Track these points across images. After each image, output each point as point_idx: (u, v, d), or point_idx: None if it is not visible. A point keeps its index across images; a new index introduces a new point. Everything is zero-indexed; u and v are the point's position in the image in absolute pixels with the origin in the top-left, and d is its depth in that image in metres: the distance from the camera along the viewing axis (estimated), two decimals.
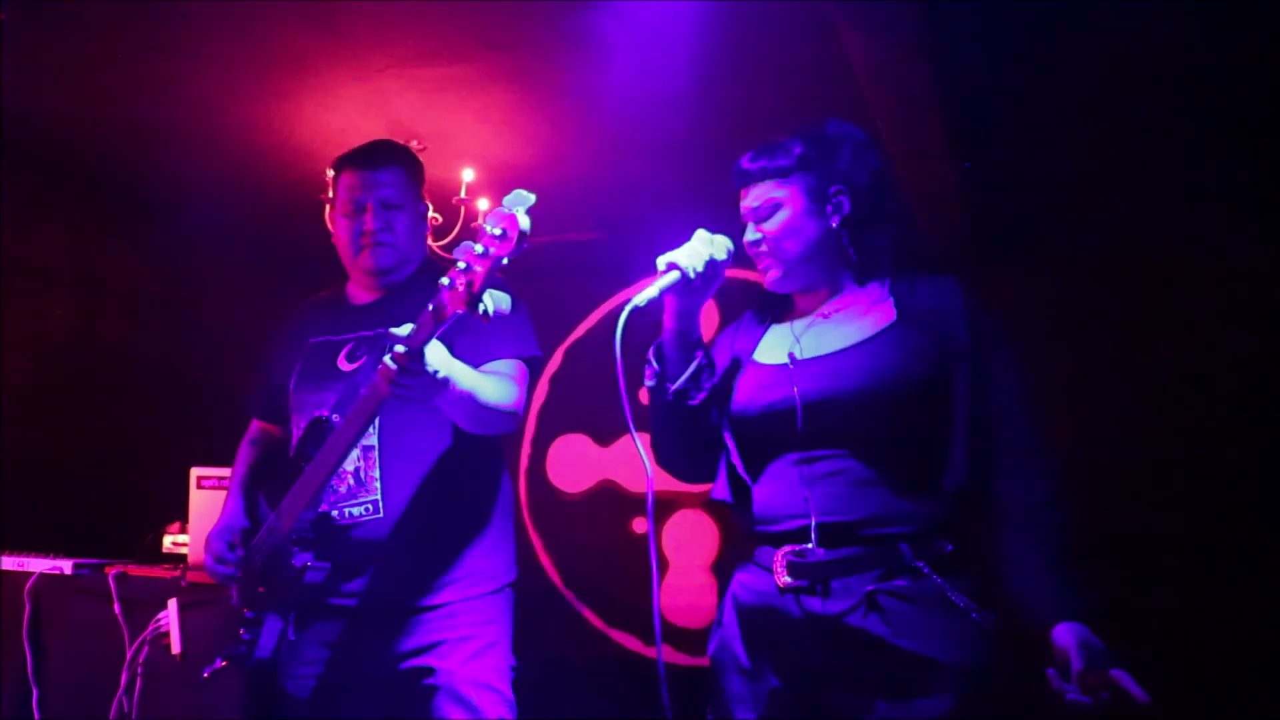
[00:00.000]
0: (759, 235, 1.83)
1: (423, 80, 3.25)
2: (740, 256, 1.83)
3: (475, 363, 2.08)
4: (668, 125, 3.51)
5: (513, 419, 2.12)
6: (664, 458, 1.88)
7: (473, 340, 2.10)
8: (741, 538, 1.81)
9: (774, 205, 1.82)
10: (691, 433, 1.82)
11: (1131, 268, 4.19)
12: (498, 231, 1.65)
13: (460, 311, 1.71)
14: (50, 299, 3.98)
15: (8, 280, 3.74)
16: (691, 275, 1.72)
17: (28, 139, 3.65)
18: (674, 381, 1.79)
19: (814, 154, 1.81)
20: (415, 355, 1.78)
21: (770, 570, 1.69)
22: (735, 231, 1.87)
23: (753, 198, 1.84)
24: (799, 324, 1.84)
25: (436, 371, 1.82)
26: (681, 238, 1.80)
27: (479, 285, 1.68)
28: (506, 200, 1.66)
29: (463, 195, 3.68)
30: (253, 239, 4.74)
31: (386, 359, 1.80)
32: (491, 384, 2.04)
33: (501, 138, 3.66)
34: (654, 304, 1.73)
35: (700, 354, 1.79)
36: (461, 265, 1.69)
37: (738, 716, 1.73)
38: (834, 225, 1.80)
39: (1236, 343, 3.98)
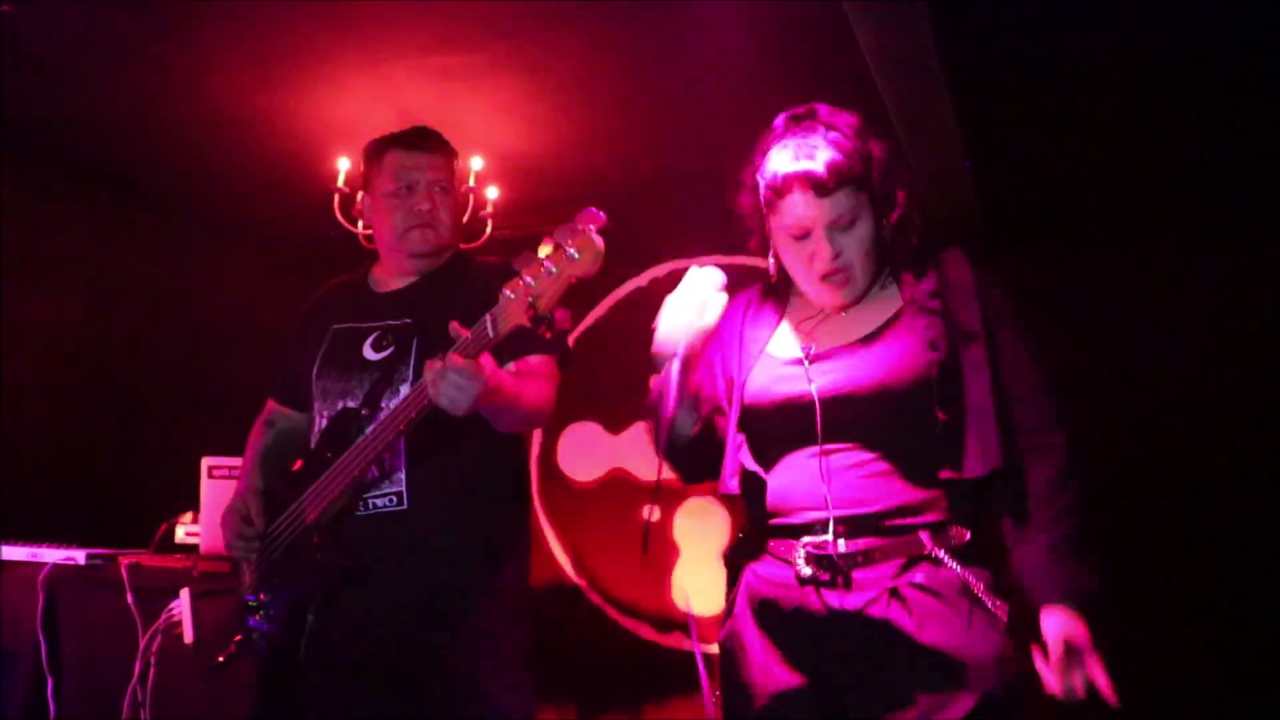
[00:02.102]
0: (840, 250, 1.70)
1: (432, 69, 3.24)
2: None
3: (509, 357, 2.08)
4: (678, 114, 3.49)
5: (544, 419, 2.14)
6: (672, 467, 1.87)
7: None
8: (756, 529, 1.80)
9: (854, 216, 1.70)
10: (697, 452, 1.83)
11: (1143, 251, 4.18)
12: (574, 253, 1.65)
13: (524, 325, 1.71)
14: (62, 291, 3.99)
15: (20, 273, 3.74)
16: (686, 352, 1.68)
17: (35, 131, 3.65)
18: (679, 429, 1.79)
19: (871, 152, 1.73)
20: (468, 367, 1.76)
21: (788, 562, 1.68)
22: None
23: (830, 209, 1.68)
24: (813, 317, 1.81)
25: (486, 383, 1.79)
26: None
27: (547, 303, 1.68)
28: (579, 219, 1.66)
29: (471, 184, 3.67)
30: (263, 229, 4.75)
31: (437, 366, 1.77)
32: (531, 389, 2.04)
33: (511, 126, 3.65)
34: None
35: (700, 399, 1.80)
36: (530, 280, 1.68)
37: (746, 707, 1.71)
38: (889, 228, 1.75)
39: (1242, 327, 3.97)
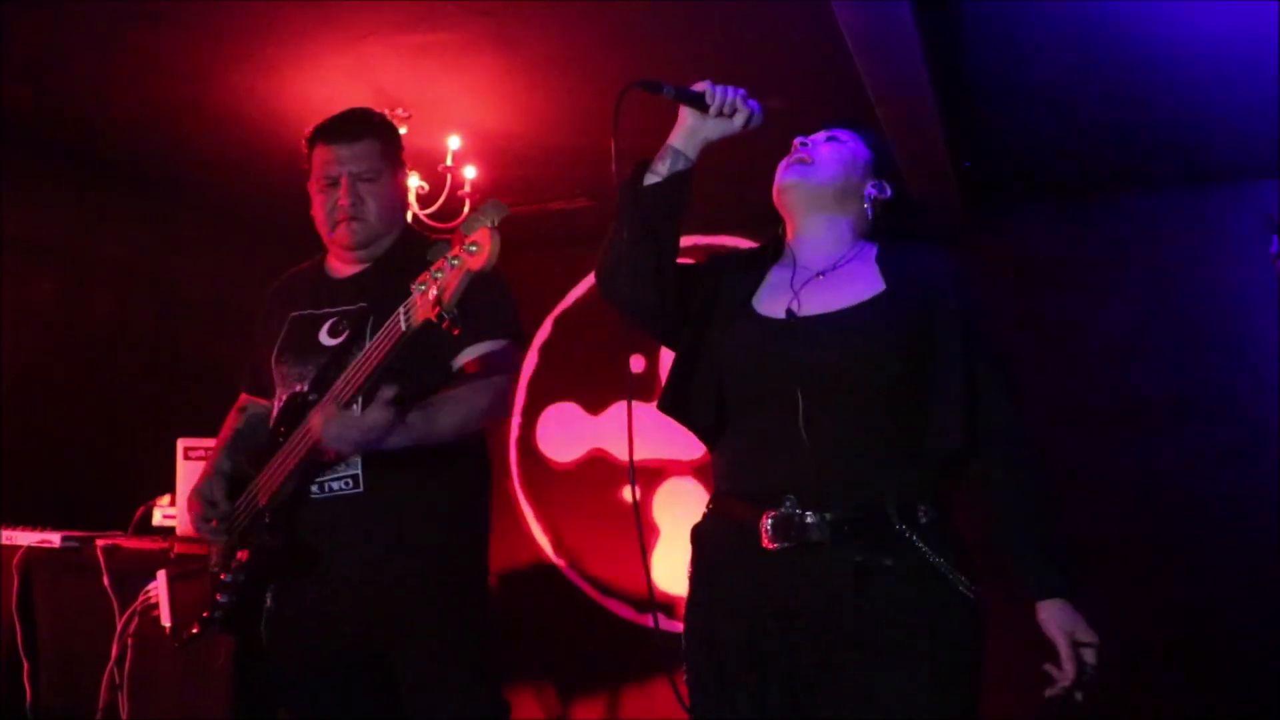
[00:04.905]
0: (811, 142, 1.88)
1: (407, 47, 3.21)
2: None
3: (455, 347, 2.09)
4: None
5: (490, 421, 2.15)
6: (610, 271, 1.82)
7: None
8: (720, 496, 1.80)
9: (844, 139, 1.89)
10: (647, 243, 1.77)
11: (1114, 230, 4.21)
12: (472, 246, 1.65)
13: (430, 320, 1.72)
14: (37, 274, 3.95)
15: None
16: (710, 102, 1.78)
17: (11, 112, 3.60)
18: (651, 179, 1.80)
19: (880, 144, 1.95)
20: (346, 419, 1.87)
21: (753, 531, 1.67)
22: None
23: (830, 131, 1.91)
24: (797, 278, 1.82)
25: (370, 430, 1.88)
26: None
27: (450, 295, 1.67)
28: (482, 210, 1.66)
29: (449, 163, 3.64)
30: (239, 211, 4.71)
31: (330, 411, 1.88)
32: (448, 414, 2.03)
33: (487, 104, 3.63)
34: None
35: (684, 166, 1.81)
36: (436, 273, 1.69)
37: (709, 678, 1.71)
38: (869, 197, 1.87)
39: (1222, 307, 4.01)
